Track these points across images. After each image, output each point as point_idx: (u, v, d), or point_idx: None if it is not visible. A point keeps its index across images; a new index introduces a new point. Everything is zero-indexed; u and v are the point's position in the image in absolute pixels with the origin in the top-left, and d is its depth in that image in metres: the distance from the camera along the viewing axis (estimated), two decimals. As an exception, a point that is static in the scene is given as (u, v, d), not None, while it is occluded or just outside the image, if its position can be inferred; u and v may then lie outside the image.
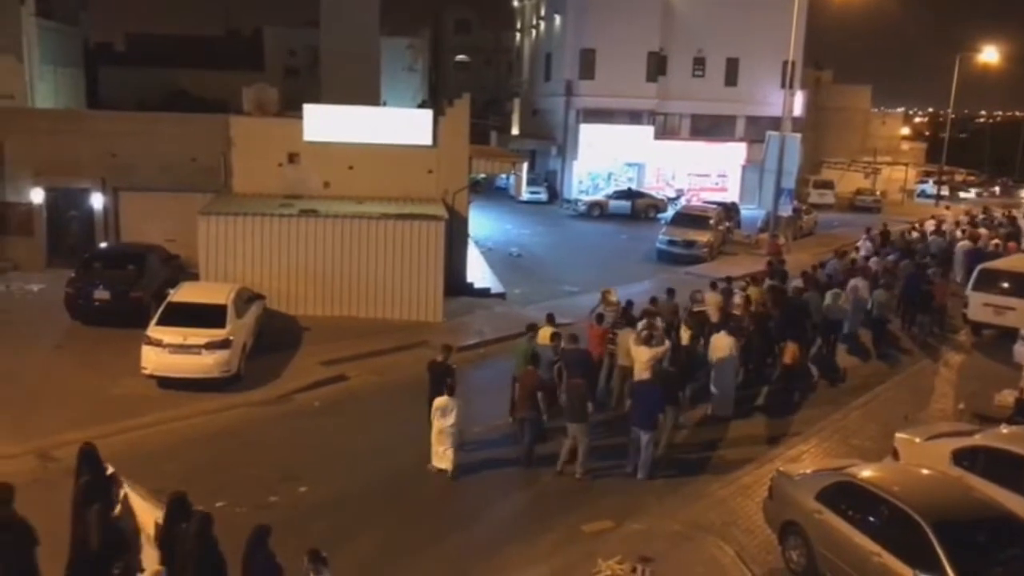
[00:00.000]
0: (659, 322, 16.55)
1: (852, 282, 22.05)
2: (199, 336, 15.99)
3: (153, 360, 15.98)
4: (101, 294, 19.19)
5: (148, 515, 8.99)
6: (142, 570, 8.69)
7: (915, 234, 34.12)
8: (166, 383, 16.08)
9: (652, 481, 13.53)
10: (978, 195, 65.75)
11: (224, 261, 20.66)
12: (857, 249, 29.36)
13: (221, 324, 16.42)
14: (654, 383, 14.07)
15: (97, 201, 23.90)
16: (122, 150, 23.52)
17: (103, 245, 23.17)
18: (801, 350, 17.82)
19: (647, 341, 15.19)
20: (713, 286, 19.89)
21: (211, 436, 14.62)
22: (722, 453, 14.98)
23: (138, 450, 13.34)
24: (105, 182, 23.71)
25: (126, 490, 9.25)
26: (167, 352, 15.93)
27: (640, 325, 16.07)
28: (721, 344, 16.28)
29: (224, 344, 16.19)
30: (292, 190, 23.33)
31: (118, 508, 9.08)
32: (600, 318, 17.05)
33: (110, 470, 9.41)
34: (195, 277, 20.56)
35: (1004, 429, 12.89)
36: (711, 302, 18.93)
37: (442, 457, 13.44)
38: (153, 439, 14.22)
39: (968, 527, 9.69)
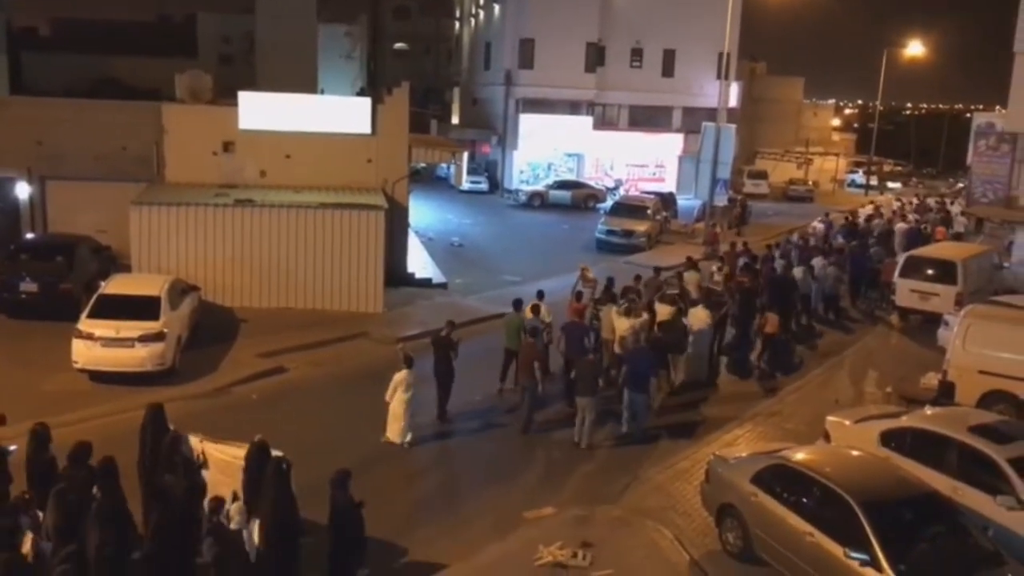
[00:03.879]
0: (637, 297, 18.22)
1: (814, 260, 23.83)
2: (132, 329, 15.67)
3: (84, 354, 15.63)
4: (28, 286, 18.64)
5: (227, 458, 10.44)
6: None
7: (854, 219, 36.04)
8: (99, 377, 15.73)
9: (597, 466, 13.85)
10: (904, 185, 67.81)
11: (157, 252, 20.23)
12: (814, 231, 32.03)
13: (155, 316, 16.11)
14: (644, 349, 15.42)
15: (22, 191, 23.10)
16: (49, 138, 22.78)
17: (29, 236, 22.42)
18: (782, 320, 19.45)
19: (627, 313, 16.87)
20: (694, 265, 22.40)
21: (146, 431, 14.29)
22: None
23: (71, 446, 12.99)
24: (31, 171, 22.91)
25: (203, 441, 10.69)
26: (99, 345, 15.59)
27: (621, 300, 17.70)
28: (698, 316, 17.96)
29: (158, 337, 15.89)
30: (227, 179, 22.89)
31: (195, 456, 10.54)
32: (579, 295, 18.94)
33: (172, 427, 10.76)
34: (127, 269, 20.10)
35: (928, 411, 13.33)
36: (690, 280, 21.12)
37: (399, 431, 13.93)
38: (87, 435, 13.61)
39: (895, 505, 10.04)
